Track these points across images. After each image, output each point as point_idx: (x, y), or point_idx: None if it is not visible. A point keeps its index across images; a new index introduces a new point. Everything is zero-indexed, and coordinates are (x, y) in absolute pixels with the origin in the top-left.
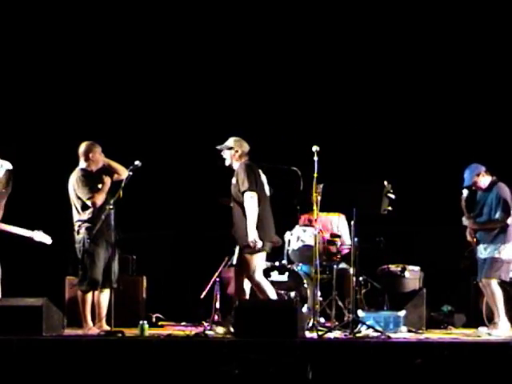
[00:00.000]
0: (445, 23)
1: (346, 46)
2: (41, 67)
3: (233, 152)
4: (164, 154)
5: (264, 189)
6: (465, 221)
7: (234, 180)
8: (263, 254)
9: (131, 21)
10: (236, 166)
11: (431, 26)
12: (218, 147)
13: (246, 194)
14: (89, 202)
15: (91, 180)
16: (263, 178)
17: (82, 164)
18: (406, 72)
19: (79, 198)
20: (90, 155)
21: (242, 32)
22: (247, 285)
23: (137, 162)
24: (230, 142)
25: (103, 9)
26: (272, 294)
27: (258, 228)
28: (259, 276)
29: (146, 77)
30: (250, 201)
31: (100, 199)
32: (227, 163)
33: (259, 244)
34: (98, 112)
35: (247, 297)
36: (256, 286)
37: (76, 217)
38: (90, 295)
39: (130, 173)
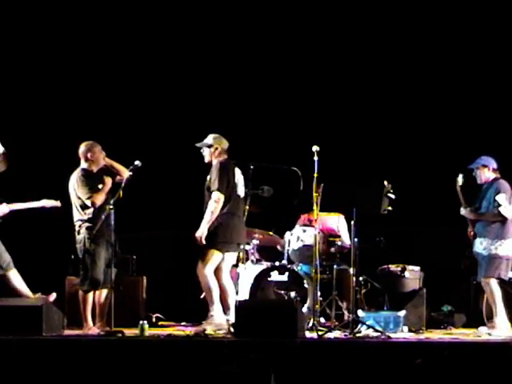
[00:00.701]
0: (445, 23)
1: (346, 46)
2: (42, 67)
3: (212, 149)
4: (164, 154)
5: (236, 190)
6: (462, 211)
7: (208, 176)
8: (224, 254)
9: (131, 21)
10: (215, 162)
11: (431, 25)
12: (198, 145)
13: (213, 194)
14: (88, 202)
15: (91, 180)
16: (239, 177)
17: (83, 164)
18: (406, 72)
19: (79, 197)
20: (89, 155)
21: (242, 32)
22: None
23: (137, 162)
24: (209, 139)
25: (103, 9)
26: (216, 295)
27: (223, 229)
28: (209, 271)
29: (147, 77)
30: (214, 201)
31: (100, 199)
32: (206, 160)
33: (203, 242)
34: (98, 112)
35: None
36: (201, 277)
37: (76, 217)
38: (91, 295)
39: (130, 173)
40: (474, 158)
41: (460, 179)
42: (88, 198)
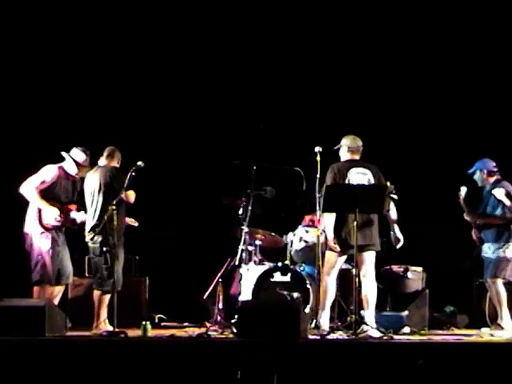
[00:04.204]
0: (446, 23)
1: (348, 47)
2: (46, 69)
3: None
4: (166, 155)
5: None
6: (466, 216)
7: None
8: None
9: (134, 23)
10: None
11: (431, 27)
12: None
13: None
14: (129, 195)
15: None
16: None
17: (114, 164)
18: (408, 72)
19: (109, 195)
20: (118, 159)
21: (244, 33)
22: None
23: (139, 163)
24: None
25: (106, 10)
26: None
27: None
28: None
29: (149, 78)
30: None
31: (133, 197)
32: None
33: None
34: (100, 113)
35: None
36: None
37: (92, 216)
38: (108, 295)
39: (133, 173)
40: (475, 158)
41: (463, 192)
42: (125, 195)
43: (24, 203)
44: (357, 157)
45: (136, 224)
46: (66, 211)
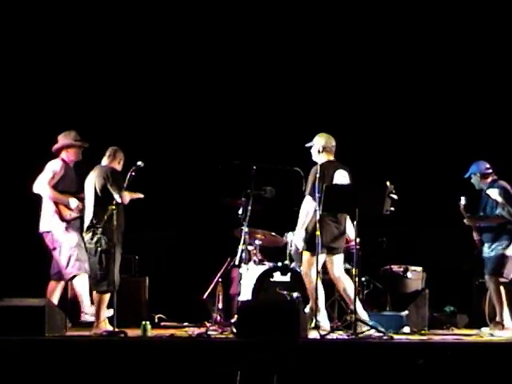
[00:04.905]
0: (446, 24)
1: (348, 48)
2: (46, 69)
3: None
4: (166, 155)
5: None
6: (466, 222)
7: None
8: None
9: (135, 23)
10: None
11: (429, 28)
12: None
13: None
14: (119, 198)
15: (120, 179)
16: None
17: (113, 164)
18: (408, 72)
19: (103, 195)
20: (120, 159)
21: (244, 33)
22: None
23: (139, 163)
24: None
25: (108, 11)
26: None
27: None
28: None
29: (149, 78)
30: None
31: (128, 197)
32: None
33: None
34: (101, 113)
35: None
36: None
37: (90, 216)
38: (108, 295)
39: (133, 173)
40: (475, 157)
41: (462, 202)
42: (120, 195)
43: (38, 201)
44: (332, 157)
45: (142, 196)
46: (80, 200)
